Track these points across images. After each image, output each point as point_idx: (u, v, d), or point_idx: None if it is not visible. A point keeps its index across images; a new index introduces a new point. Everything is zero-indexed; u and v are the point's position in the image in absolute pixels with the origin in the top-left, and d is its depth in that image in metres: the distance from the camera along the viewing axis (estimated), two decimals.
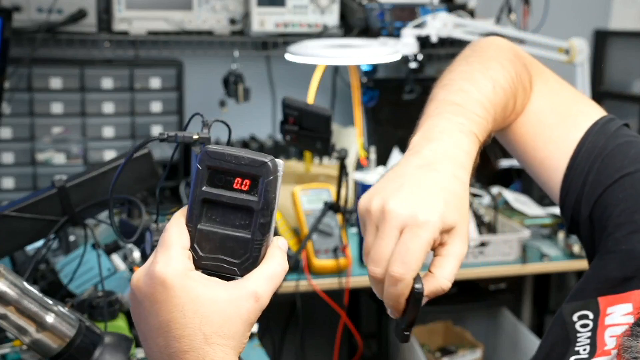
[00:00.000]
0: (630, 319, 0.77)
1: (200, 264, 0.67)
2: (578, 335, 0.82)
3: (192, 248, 0.67)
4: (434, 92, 0.89)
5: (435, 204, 0.73)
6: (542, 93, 0.95)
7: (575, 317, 0.84)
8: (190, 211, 0.67)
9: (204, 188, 0.66)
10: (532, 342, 2.29)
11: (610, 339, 0.78)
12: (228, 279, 0.67)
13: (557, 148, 0.90)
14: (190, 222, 0.67)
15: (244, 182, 0.66)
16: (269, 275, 0.67)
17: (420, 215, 0.73)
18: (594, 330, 0.81)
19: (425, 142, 0.79)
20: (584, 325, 0.82)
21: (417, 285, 0.74)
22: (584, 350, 0.80)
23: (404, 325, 0.76)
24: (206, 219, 0.67)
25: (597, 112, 0.92)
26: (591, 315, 0.82)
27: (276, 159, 0.67)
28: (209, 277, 0.66)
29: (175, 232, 0.66)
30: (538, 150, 0.92)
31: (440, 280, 0.75)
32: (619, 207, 0.83)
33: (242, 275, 0.67)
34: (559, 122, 0.91)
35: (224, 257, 0.67)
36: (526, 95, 0.93)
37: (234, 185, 0.66)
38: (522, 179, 2.58)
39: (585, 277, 0.87)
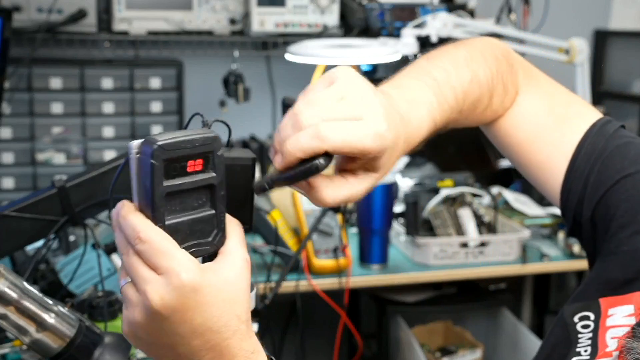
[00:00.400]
0: (632, 321, 0.77)
1: None
2: (579, 336, 0.82)
3: None
4: (417, 60, 0.88)
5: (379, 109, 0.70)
6: (536, 96, 0.94)
7: (576, 319, 0.84)
8: (155, 211, 0.65)
9: (165, 183, 0.64)
10: (532, 342, 2.29)
11: (611, 340, 0.78)
12: (207, 259, 0.68)
13: (556, 150, 0.90)
14: (159, 222, 0.65)
15: (196, 163, 0.66)
16: (241, 238, 0.69)
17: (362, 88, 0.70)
18: (595, 332, 0.81)
19: (394, 91, 0.77)
20: (585, 327, 0.82)
21: (321, 160, 0.68)
22: (585, 351, 0.80)
23: (271, 180, 0.70)
24: (168, 213, 0.66)
25: (593, 114, 0.92)
26: (592, 316, 0.82)
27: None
28: (210, 264, 0.67)
29: (161, 236, 0.65)
30: (535, 153, 0.92)
31: (326, 195, 0.71)
32: (622, 209, 0.83)
33: (217, 249, 0.68)
34: (556, 125, 0.91)
35: (198, 241, 0.67)
36: (506, 95, 0.92)
37: (188, 169, 0.66)
38: (522, 179, 2.57)
39: (587, 280, 0.87)
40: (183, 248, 0.66)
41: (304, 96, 0.70)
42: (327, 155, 0.68)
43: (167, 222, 0.65)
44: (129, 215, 0.65)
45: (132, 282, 0.65)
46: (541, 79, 0.97)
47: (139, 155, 0.65)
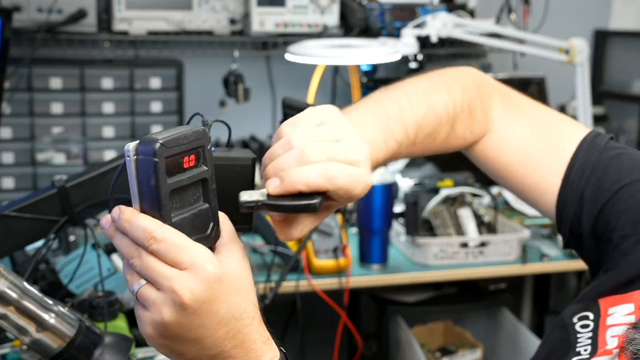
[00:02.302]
0: (632, 319, 0.77)
1: None
2: (578, 336, 0.82)
3: None
4: (375, 92, 0.90)
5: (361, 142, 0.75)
6: (520, 121, 0.96)
7: (575, 319, 0.84)
8: (162, 210, 0.65)
9: (168, 181, 0.65)
10: (532, 342, 2.29)
11: (611, 339, 0.78)
12: None
13: (549, 170, 0.92)
14: (168, 220, 0.65)
15: (190, 158, 0.67)
16: (232, 228, 0.71)
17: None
18: (594, 331, 0.81)
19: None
20: (584, 326, 0.83)
21: (319, 200, 0.69)
22: (585, 350, 0.80)
23: (262, 204, 0.70)
24: (173, 211, 0.66)
25: (581, 130, 0.94)
26: (592, 316, 0.83)
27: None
28: (217, 256, 0.68)
29: (172, 232, 0.65)
30: (528, 176, 0.94)
31: (295, 232, 0.73)
32: (622, 219, 0.84)
33: (214, 242, 0.69)
34: (545, 146, 0.93)
35: (198, 236, 0.67)
36: (474, 121, 0.94)
37: (185, 165, 0.66)
38: None
39: (588, 287, 0.88)
40: None
41: (296, 127, 0.72)
42: (321, 195, 0.69)
43: (173, 220, 0.66)
44: (135, 218, 0.65)
45: (149, 283, 0.65)
46: (523, 104, 0.99)
47: (137, 157, 0.64)
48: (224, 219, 0.71)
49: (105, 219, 0.68)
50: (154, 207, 0.65)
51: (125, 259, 0.67)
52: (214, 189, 0.69)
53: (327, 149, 0.70)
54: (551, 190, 0.91)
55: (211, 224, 0.68)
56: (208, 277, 0.65)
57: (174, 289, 0.64)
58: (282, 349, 0.72)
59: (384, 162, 0.84)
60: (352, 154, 0.71)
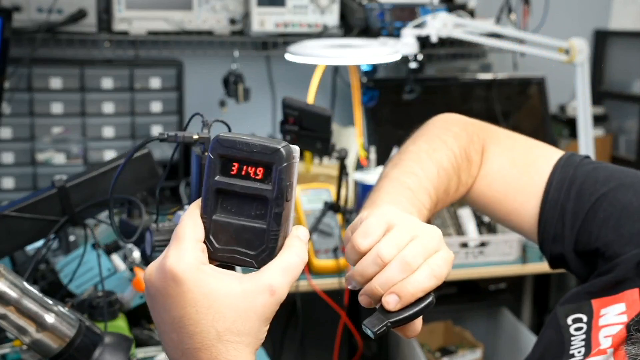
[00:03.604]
0: (624, 319, 0.79)
1: (216, 256, 0.65)
2: (572, 338, 0.84)
3: (207, 240, 0.65)
4: (385, 170, 0.96)
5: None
6: (499, 153, 1.00)
7: (569, 320, 0.86)
8: (204, 202, 0.65)
9: (217, 178, 0.64)
10: (532, 342, 2.27)
11: (604, 339, 0.79)
12: (245, 271, 0.65)
13: (527, 194, 0.95)
14: (205, 214, 0.65)
15: (257, 170, 0.64)
16: (285, 266, 0.64)
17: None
18: (588, 333, 0.83)
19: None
20: (578, 329, 0.84)
21: (432, 298, 0.73)
22: (579, 352, 0.81)
23: (391, 322, 0.73)
24: (221, 210, 0.65)
25: (555, 152, 0.98)
26: (585, 318, 0.84)
27: (291, 145, 0.65)
28: (222, 270, 0.64)
29: (189, 224, 0.65)
30: (509, 203, 0.97)
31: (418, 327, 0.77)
32: (604, 227, 0.87)
33: (258, 267, 0.65)
34: (522, 172, 0.97)
35: (240, 249, 0.65)
36: (472, 166, 0.99)
37: (248, 174, 0.64)
38: None
39: (580, 286, 0.90)
40: (223, 248, 0.65)
41: (370, 238, 0.73)
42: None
43: (214, 217, 0.65)
44: (193, 204, 0.67)
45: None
46: (500, 135, 1.03)
47: (204, 153, 0.67)
48: (294, 256, 0.65)
49: None
50: (202, 198, 0.66)
51: None
52: (280, 214, 0.64)
53: (419, 251, 0.72)
54: (532, 212, 0.95)
55: (262, 247, 0.65)
56: (164, 269, 0.63)
57: (151, 264, 0.65)
58: None
59: None
60: (434, 243, 0.73)
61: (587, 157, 0.96)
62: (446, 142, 0.97)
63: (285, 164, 0.63)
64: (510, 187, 0.97)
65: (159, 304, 0.64)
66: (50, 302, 0.94)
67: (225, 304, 0.62)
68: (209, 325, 0.62)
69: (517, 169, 0.97)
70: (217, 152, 0.64)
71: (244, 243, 0.65)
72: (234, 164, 0.64)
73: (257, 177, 0.64)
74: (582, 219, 0.89)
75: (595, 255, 0.88)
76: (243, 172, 0.64)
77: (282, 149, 0.63)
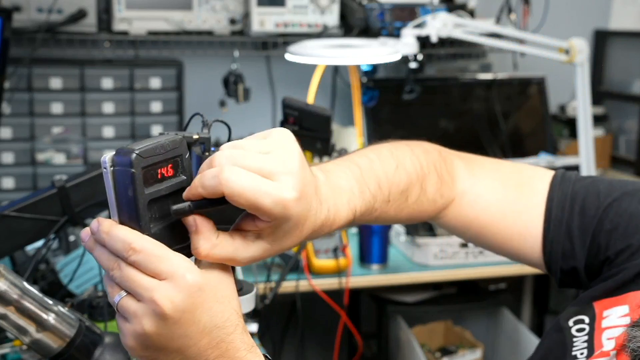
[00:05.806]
0: (627, 321, 0.79)
1: None
2: (574, 340, 0.83)
3: None
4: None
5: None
6: (487, 175, 0.97)
7: (571, 322, 0.86)
8: (141, 220, 0.64)
9: (146, 191, 0.64)
10: (532, 342, 2.29)
11: (607, 340, 0.79)
12: None
13: (528, 216, 0.93)
14: (147, 231, 0.65)
15: (168, 169, 0.66)
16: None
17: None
18: (590, 334, 0.82)
19: (320, 174, 0.77)
20: (580, 330, 0.84)
21: (188, 205, 0.66)
22: (582, 354, 0.81)
23: (189, 208, 0.67)
24: (152, 221, 0.66)
25: (546, 171, 0.96)
26: (587, 320, 0.84)
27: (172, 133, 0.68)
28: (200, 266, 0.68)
29: (151, 242, 0.65)
30: (509, 227, 0.95)
31: (200, 246, 0.67)
32: (613, 237, 0.86)
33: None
34: (519, 193, 0.94)
35: (179, 246, 0.67)
36: (443, 184, 0.93)
37: (160, 176, 0.66)
38: None
39: (586, 291, 0.89)
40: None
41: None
42: (217, 202, 0.65)
43: (152, 230, 0.65)
44: (114, 229, 0.65)
45: (129, 294, 0.65)
46: (482, 160, 0.99)
47: (113, 168, 0.64)
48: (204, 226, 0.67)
49: (85, 231, 0.67)
50: (133, 218, 0.64)
51: (105, 270, 0.66)
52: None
53: (236, 156, 0.65)
54: (535, 234, 0.92)
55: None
56: (188, 286, 0.64)
57: (154, 300, 0.63)
58: (267, 355, 0.72)
59: (361, 214, 0.81)
60: (271, 169, 0.65)
61: (578, 173, 0.95)
62: (413, 150, 0.92)
63: (188, 152, 0.68)
64: (507, 209, 0.94)
65: (184, 325, 0.65)
66: (50, 302, 0.94)
67: (227, 285, 0.69)
68: (230, 308, 0.68)
69: (512, 191, 0.95)
70: (140, 166, 0.63)
71: (178, 239, 0.68)
72: (153, 171, 0.65)
73: (170, 174, 0.67)
74: (592, 234, 0.88)
75: (604, 264, 0.87)
76: (158, 176, 0.66)
77: (183, 138, 0.68)
